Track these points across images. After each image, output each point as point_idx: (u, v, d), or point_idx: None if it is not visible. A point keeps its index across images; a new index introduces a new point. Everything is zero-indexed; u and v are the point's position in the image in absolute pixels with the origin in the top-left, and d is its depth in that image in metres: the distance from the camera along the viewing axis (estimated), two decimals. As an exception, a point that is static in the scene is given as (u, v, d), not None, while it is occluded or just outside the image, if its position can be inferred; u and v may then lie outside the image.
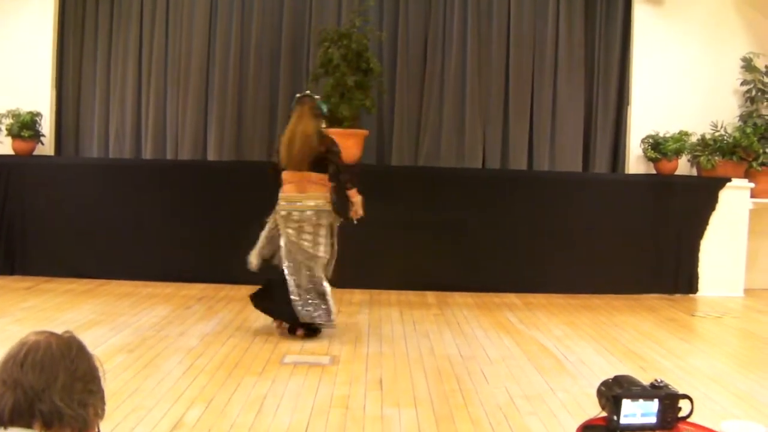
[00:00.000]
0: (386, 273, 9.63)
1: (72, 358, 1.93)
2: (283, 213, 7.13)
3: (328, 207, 7.13)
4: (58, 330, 2.04)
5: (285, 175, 7.19)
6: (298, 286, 7.10)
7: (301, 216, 7.09)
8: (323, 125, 7.32)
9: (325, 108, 7.42)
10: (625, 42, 10.91)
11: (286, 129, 7.32)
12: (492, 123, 10.86)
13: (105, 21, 10.85)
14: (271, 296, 7.30)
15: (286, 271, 7.12)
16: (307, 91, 7.74)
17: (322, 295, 7.15)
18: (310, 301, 7.12)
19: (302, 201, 7.10)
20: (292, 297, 7.06)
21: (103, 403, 2.01)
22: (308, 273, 7.14)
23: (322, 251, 7.13)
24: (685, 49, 10.75)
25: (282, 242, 7.16)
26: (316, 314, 7.13)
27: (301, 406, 5.24)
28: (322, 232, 7.13)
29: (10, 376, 1.87)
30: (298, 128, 7.16)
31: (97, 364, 2.02)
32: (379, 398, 5.50)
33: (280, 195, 7.19)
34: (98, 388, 1.99)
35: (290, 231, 7.11)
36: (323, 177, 7.13)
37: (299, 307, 7.07)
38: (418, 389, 5.75)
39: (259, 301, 7.41)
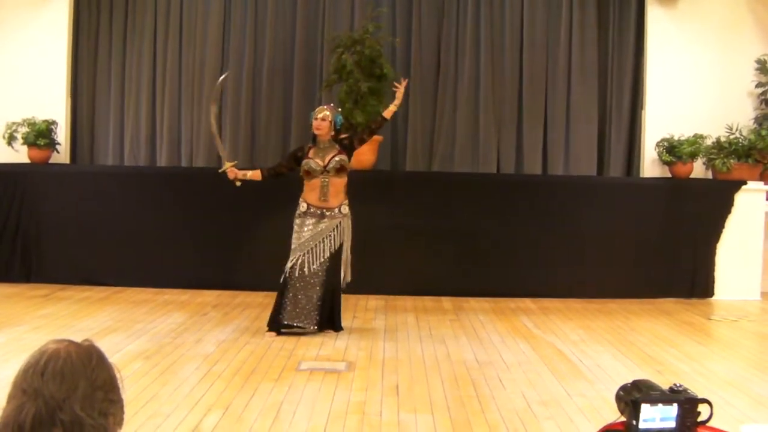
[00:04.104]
0: (401, 278, 9.63)
1: (92, 367, 1.91)
2: None
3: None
4: (77, 338, 2.04)
5: None
6: None
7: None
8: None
9: (312, 119, 7.66)
10: (638, 45, 10.89)
11: None
12: (506, 128, 10.86)
13: (119, 30, 10.92)
14: None
15: None
16: (331, 104, 8.09)
17: None
18: None
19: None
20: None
21: (123, 411, 2.00)
22: None
23: None
24: (699, 51, 10.72)
25: None
26: None
27: (318, 413, 5.25)
28: None
29: (31, 386, 1.86)
30: None
31: (116, 372, 2.02)
32: (395, 404, 5.50)
33: None
34: (118, 397, 1.97)
35: None
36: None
37: None
38: (435, 395, 5.74)
39: None
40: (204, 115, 10.77)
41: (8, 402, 1.88)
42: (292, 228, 7.53)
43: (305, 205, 7.47)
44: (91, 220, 9.77)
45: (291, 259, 7.42)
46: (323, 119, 7.49)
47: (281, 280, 7.44)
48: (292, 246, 7.45)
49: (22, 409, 1.84)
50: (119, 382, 2.01)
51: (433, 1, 10.87)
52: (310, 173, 7.43)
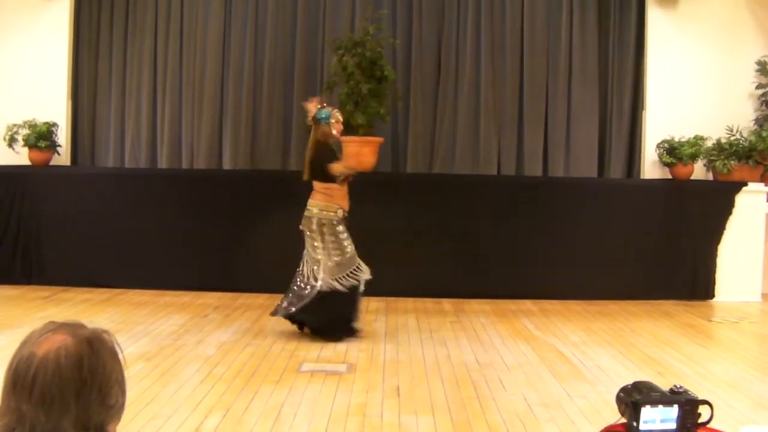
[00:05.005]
0: (402, 280, 9.59)
1: (83, 378, 1.81)
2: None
3: (326, 215, 7.38)
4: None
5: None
6: (295, 283, 7.52)
7: (306, 221, 7.44)
8: (326, 132, 7.55)
9: (323, 114, 7.57)
10: (639, 47, 10.89)
11: None
12: (507, 130, 10.86)
13: (120, 32, 10.93)
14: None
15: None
16: (325, 104, 8.04)
17: (306, 296, 7.43)
18: (291, 297, 7.49)
19: (309, 207, 7.44)
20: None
21: (123, 408, 1.93)
22: (311, 273, 7.44)
23: (321, 254, 7.38)
24: (699, 53, 10.72)
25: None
26: (284, 304, 7.51)
27: (319, 414, 5.25)
28: (318, 237, 7.38)
29: (19, 406, 1.79)
30: (310, 142, 7.59)
31: (117, 363, 1.90)
32: (396, 406, 5.50)
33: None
34: (116, 399, 1.88)
35: (305, 232, 7.48)
36: (324, 186, 7.43)
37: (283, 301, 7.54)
38: (436, 397, 5.74)
39: None
40: (205, 118, 10.78)
41: (0, 414, 1.84)
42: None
43: (342, 211, 7.43)
44: (92, 221, 9.77)
45: (357, 266, 7.47)
46: (338, 122, 7.64)
47: (352, 287, 7.45)
48: (348, 254, 7.44)
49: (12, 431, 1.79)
50: (121, 368, 1.91)
51: (433, 3, 10.87)
52: (348, 177, 7.52)
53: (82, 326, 1.93)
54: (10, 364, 1.86)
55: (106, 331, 1.94)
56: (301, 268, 7.50)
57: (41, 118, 10.30)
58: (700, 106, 10.60)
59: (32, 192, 9.88)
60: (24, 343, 1.87)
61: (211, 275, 9.68)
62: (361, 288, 7.50)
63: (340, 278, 7.38)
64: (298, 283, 7.47)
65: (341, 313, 7.42)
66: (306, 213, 7.42)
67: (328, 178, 7.38)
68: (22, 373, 1.82)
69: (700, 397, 2.69)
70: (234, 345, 7.12)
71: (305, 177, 7.55)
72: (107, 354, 1.90)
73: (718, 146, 10.24)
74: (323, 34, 10.86)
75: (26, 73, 10.64)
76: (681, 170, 10.24)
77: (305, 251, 7.49)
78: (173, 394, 5.58)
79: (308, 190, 7.57)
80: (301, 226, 7.46)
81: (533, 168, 10.80)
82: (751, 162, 10.09)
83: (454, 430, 5.04)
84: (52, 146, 10.40)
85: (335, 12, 10.90)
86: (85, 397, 1.81)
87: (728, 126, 10.33)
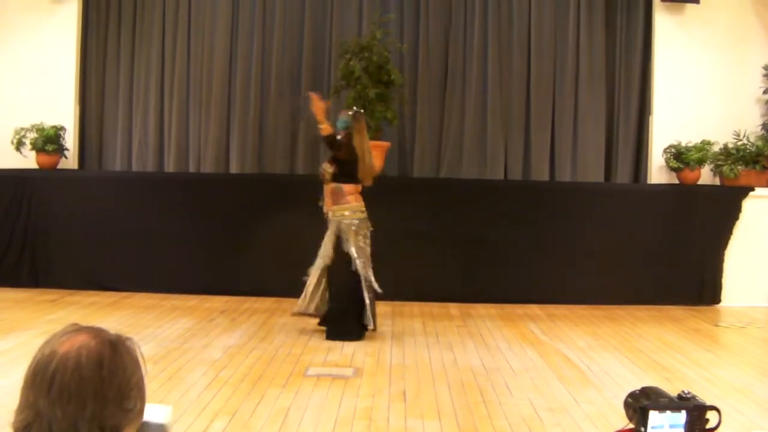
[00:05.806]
0: (409, 285, 9.58)
1: (102, 377, 1.81)
2: (355, 221, 7.62)
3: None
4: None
5: (353, 188, 7.67)
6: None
7: (364, 222, 7.68)
8: None
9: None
10: (646, 51, 10.88)
11: (354, 144, 7.66)
12: (514, 134, 10.86)
13: (127, 36, 10.95)
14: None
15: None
16: (354, 107, 8.25)
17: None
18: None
19: (364, 209, 7.70)
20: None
21: (141, 415, 1.94)
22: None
23: (362, 254, 7.67)
24: (706, 58, 10.71)
25: (353, 250, 7.58)
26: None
27: (325, 419, 5.25)
28: (364, 236, 7.70)
29: (37, 400, 1.78)
30: (365, 145, 7.68)
31: (138, 367, 1.90)
32: (402, 410, 5.50)
33: (351, 206, 7.63)
34: (134, 403, 1.87)
35: (360, 238, 7.64)
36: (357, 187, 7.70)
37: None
38: (442, 401, 5.74)
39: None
40: (212, 122, 10.79)
41: (18, 409, 1.84)
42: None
43: (353, 213, 7.74)
44: (99, 225, 9.78)
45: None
46: None
47: (378, 287, 7.69)
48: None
49: (30, 428, 1.79)
50: (141, 375, 1.91)
51: (440, 7, 10.88)
52: None
53: (105, 330, 1.92)
54: (31, 362, 1.85)
55: (129, 339, 1.95)
56: (367, 275, 7.65)
57: (49, 121, 10.32)
58: (707, 110, 10.58)
59: (40, 195, 9.90)
60: (46, 343, 1.87)
61: (217, 279, 9.69)
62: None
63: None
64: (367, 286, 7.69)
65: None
66: (365, 214, 7.66)
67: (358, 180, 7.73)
68: (41, 369, 1.81)
69: (708, 403, 2.69)
70: (240, 349, 7.12)
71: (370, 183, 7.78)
72: (128, 358, 1.91)
73: (725, 151, 10.22)
74: (330, 38, 10.88)
75: (34, 76, 10.65)
76: (688, 175, 10.23)
77: (362, 258, 7.61)
78: (180, 398, 5.59)
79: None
80: (360, 230, 7.64)
81: (540, 172, 10.79)
82: (758, 167, 10.07)
83: (460, 435, 5.04)
84: (60, 150, 10.41)
85: (342, 16, 10.92)
86: (103, 397, 1.81)
87: (735, 131, 10.31)
